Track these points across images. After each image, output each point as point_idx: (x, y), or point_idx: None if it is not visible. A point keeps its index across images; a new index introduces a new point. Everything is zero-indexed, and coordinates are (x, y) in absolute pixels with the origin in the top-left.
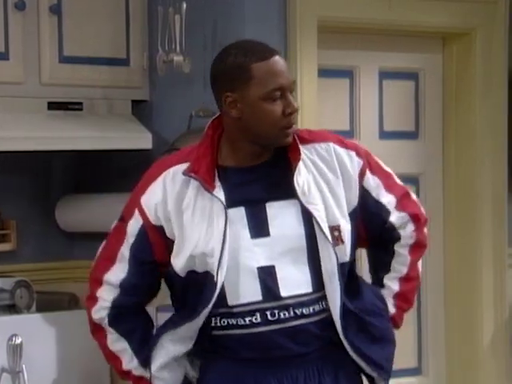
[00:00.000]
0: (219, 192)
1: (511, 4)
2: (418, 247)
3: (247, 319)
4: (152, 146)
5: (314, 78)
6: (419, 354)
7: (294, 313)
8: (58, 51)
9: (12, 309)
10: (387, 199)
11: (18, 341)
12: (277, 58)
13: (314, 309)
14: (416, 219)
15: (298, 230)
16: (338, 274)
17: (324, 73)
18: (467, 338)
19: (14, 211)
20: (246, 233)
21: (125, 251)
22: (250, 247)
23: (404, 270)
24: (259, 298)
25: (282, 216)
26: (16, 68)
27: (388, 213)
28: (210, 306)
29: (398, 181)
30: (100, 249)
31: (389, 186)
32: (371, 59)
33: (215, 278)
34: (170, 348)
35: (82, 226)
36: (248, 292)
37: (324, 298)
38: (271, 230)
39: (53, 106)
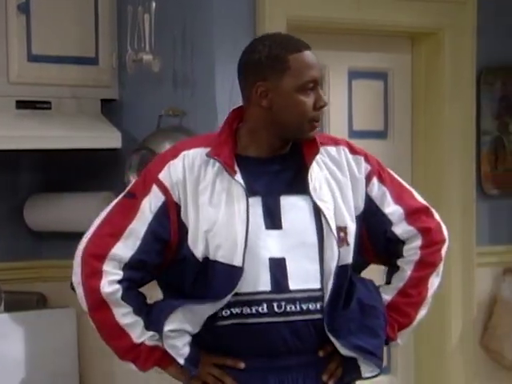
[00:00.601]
0: (240, 178)
1: (479, 4)
2: (423, 265)
3: (254, 308)
4: (121, 145)
5: None
6: (388, 352)
7: (301, 307)
8: (26, 50)
9: None
10: (392, 209)
11: None
12: (310, 51)
13: (320, 305)
14: (426, 235)
15: (309, 225)
16: (334, 274)
17: None
18: (435, 336)
19: None
20: (261, 222)
21: (138, 227)
22: (264, 237)
23: (400, 284)
24: (268, 288)
25: (294, 210)
26: None
27: (390, 223)
28: (235, 290)
29: (418, 197)
30: (98, 225)
31: (399, 197)
32: (341, 59)
33: (241, 264)
34: (184, 320)
35: (51, 226)
36: (258, 281)
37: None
38: (283, 223)
39: (21, 104)
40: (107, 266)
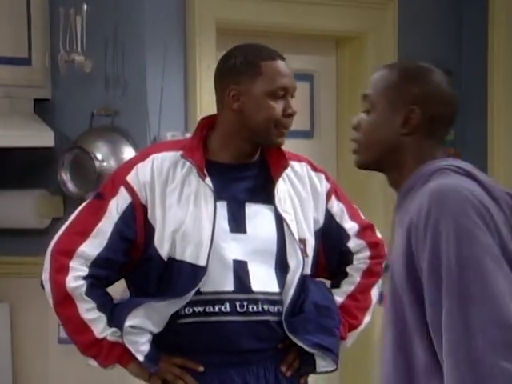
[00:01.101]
0: (209, 181)
1: (400, 9)
2: (369, 273)
3: (217, 307)
4: (54, 144)
5: (210, 79)
6: None
7: (262, 308)
8: None
9: None
10: (349, 225)
11: None
12: (284, 62)
13: (278, 309)
14: (373, 248)
15: (271, 233)
16: (296, 282)
17: None
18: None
19: None
20: (226, 226)
21: (105, 227)
22: (228, 240)
23: (350, 288)
24: (231, 288)
25: (258, 218)
26: None
27: (348, 238)
28: (197, 287)
29: (362, 215)
30: (68, 224)
31: (353, 215)
32: None
33: (205, 264)
34: (146, 318)
35: None
36: (222, 281)
37: (282, 302)
38: (248, 228)
39: None
40: (74, 263)
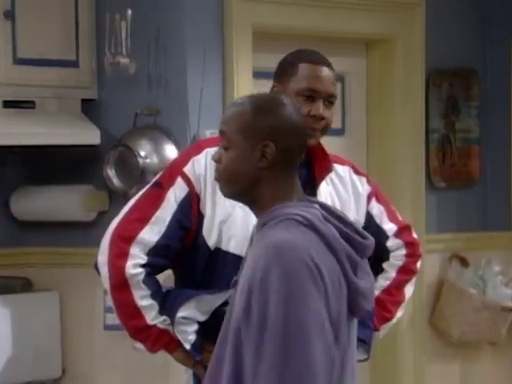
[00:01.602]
0: None
1: (427, 13)
2: (404, 270)
3: None
4: (100, 142)
5: (249, 79)
6: None
7: None
8: (12, 53)
9: None
10: (388, 226)
11: None
12: (325, 68)
13: None
14: (410, 247)
15: None
16: None
17: (259, 74)
18: None
19: None
20: None
21: (163, 215)
22: None
23: (386, 283)
24: None
25: None
26: None
27: (386, 237)
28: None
29: (400, 217)
30: (127, 210)
31: (392, 216)
32: None
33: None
34: (194, 310)
35: (36, 216)
36: None
37: None
38: None
39: (7, 104)
40: (133, 249)
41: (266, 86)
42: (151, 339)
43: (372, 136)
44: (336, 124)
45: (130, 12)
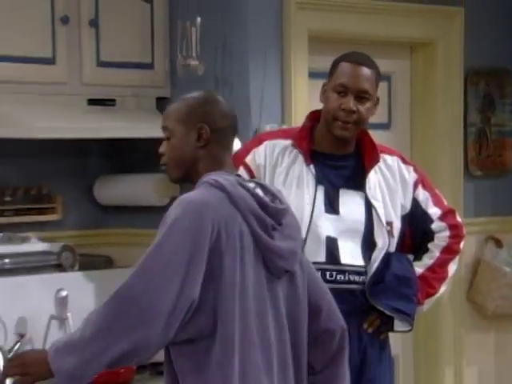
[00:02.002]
0: (313, 169)
1: (466, 20)
2: (448, 250)
3: None
4: None
5: (305, 79)
6: None
7: (348, 278)
8: (96, 57)
9: (58, 268)
10: (433, 211)
11: (64, 294)
12: (360, 67)
13: (362, 279)
14: (453, 229)
15: (360, 216)
16: (380, 259)
17: (314, 75)
18: None
19: (61, 188)
20: (322, 207)
21: None
22: (323, 219)
23: (430, 262)
24: (323, 259)
25: (350, 202)
26: (61, 71)
27: (431, 221)
28: None
29: (446, 202)
30: None
31: (437, 201)
32: None
33: (304, 238)
34: None
35: (115, 200)
36: (315, 253)
37: (366, 273)
38: (340, 210)
39: (91, 102)
40: None
41: (320, 86)
42: None
43: (415, 130)
44: (383, 119)
45: (199, 19)
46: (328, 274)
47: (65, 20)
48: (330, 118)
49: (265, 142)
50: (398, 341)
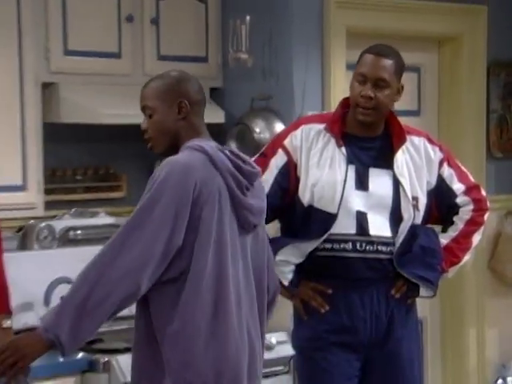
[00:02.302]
0: (344, 150)
1: (489, 16)
2: (471, 223)
3: (341, 246)
4: (224, 121)
5: (343, 71)
6: None
7: (377, 248)
8: (156, 51)
9: None
10: (457, 186)
11: None
12: (381, 58)
13: (390, 249)
14: (477, 203)
15: (388, 192)
16: (407, 230)
17: (351, 67)
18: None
19: (126, 168)
20: (353, 184)
21: (267, 178)
22: (354, 195)
23: (454, 233)
24: (354, 231)
25: (378, 180)
26: (126, 64)
27: (455, 196)
28: (330, 231)
29: (471, 177)
30: None
31: (461, 177)
32: None
33: (336, 213)
34: (291, 254)
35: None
36: (346, 226)
37: (394, 244)
38: (370, 187)
39: None
40: None
41: None
42: None
43: (442, 116)
44: (413, 107)
45: (248, 18)
46: (358, 244)
47: (129, 19)
48: (353, 104)
49: (301, 127)
50: (426, 305)
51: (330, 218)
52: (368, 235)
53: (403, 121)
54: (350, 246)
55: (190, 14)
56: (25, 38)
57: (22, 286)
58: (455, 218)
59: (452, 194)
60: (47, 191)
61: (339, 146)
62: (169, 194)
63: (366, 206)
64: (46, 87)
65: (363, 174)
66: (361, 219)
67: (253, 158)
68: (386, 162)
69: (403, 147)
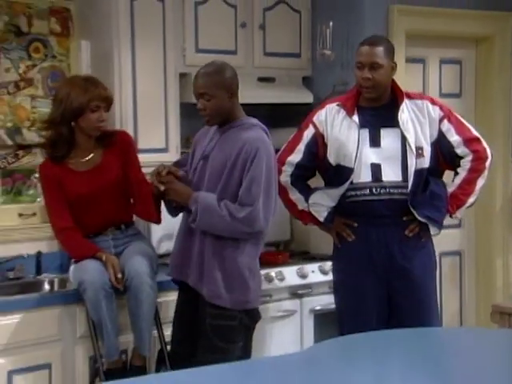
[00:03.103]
0: (356, 118)
1: None
2: (472, 170)
3: (362, 191)
4: (312, 101)
5: (403, 64)
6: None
7: (389, 191)
8: (263, 49)
9: None
10: (454, 138)
11: None
12: (372, 47)
13: (401, 191)
14: (475, 153)
15: (396, 146)
16: (413, 174)
17: (410, 60)
18: (486, 205)
19: None
20: (368, 143)
21: (301, 146)
22: (369, 151)
23: (458, 181)
24: (369, 179)
25: (388, 137)
26: (240, 59)
27: (453, 147)
28: (349, 181)
29: (473, 131)
30: (284, 146)
31: (460, 131)
32: (435, 53)
33: (353, 167)
34: (321, 198)
35: (277, 145)
36: (364, 176)
37: (406, 187)
38: (382, 143)
39: (260, 79)
40: (285, 167)
41: (413, 70)
42: (305, 217)
43: (478, 99)
44: (456, 91)
45: (331, 23)
46: (374, 189)
47: (243, 25)
48: (358, 85)
49: (326, 106)
50: (464, 240)
51: (349, 171)
52: (381, 181)
53: (447, 102)
54: (367, 191)
55: (288, 20)
56: (168, 39)
57: None
58: (458, 169)
59: (450, 146)
60: (182, 152)
61: (350, 116)
62: (272, 169)
63: (379, 158)
64: (183, 76)
65: (375, 134)
66: (375, 169)
67: (294, 133)
68: (393, 122)
69: (409, 108)
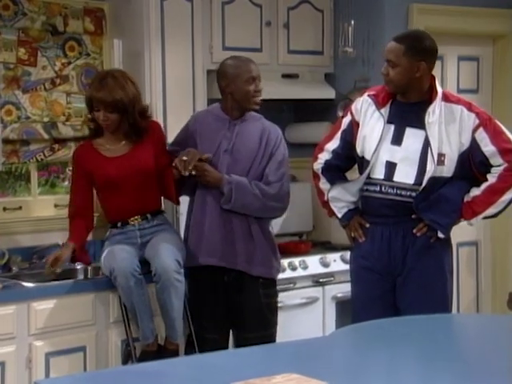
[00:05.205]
0: (384, 112)
1: None
2: (502, 180)
3: (373, 188)
4: (335, 97)
5: None
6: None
7: (397, 192)
8: (287, 47)
9: None
10: (488, 148)
11: None
12: (392, 43)
13: (410, 194)
14: (508, 163)
15: (417, 148)
16: (427, 179)
17: None
18: None
19: None
20: (389, 139)
21: (338, 134)
22: (388, 148)
23: (482, 187)
24: (382, 177)
25: (412, 137)
26: (265, 56)
27: (486, 158)
28: (366, 174)
29: (507, 141)
30: (327, 133)
31: (496, 141)
32: (453, 50)
33: (370, 158)
34: (339, 193)
35: (299, 140)
36: (378, 172)
37: (417, 190)
38: (403, 143)
39: (284, 76)
40: (320, 155)
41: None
42: (328, 208)
43: (495, 94)
44: (473, 86)
45: (353, 22)
46: (383, 187)
47: (268, 23)
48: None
49: (365, 95)
50: (480, 231)
51: (368, 165)
52: (392, 181)
53: (466, 96)
54: (378, 188)
55: (311, 19)
56: (196, 38)
57: None
58: (488, 176)
59: (483, 156)
60: None
61: (379, 109)
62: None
63: (396, 157)
64: (210, 73)
65: (400, 132)
66: (389, 168)
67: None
68: (421, 123)
69: (442, 111)
